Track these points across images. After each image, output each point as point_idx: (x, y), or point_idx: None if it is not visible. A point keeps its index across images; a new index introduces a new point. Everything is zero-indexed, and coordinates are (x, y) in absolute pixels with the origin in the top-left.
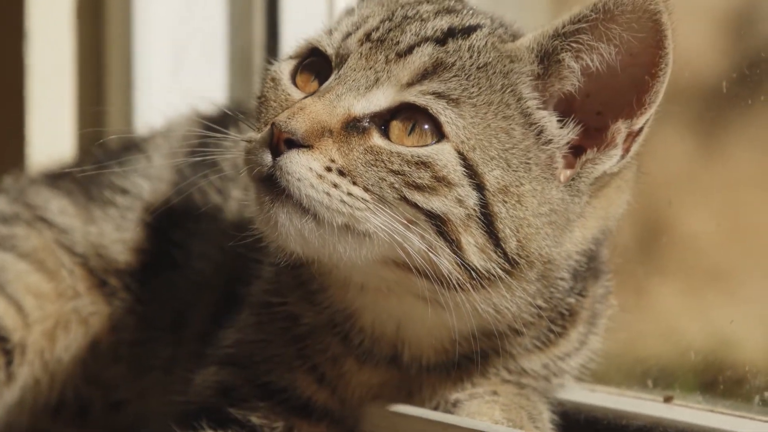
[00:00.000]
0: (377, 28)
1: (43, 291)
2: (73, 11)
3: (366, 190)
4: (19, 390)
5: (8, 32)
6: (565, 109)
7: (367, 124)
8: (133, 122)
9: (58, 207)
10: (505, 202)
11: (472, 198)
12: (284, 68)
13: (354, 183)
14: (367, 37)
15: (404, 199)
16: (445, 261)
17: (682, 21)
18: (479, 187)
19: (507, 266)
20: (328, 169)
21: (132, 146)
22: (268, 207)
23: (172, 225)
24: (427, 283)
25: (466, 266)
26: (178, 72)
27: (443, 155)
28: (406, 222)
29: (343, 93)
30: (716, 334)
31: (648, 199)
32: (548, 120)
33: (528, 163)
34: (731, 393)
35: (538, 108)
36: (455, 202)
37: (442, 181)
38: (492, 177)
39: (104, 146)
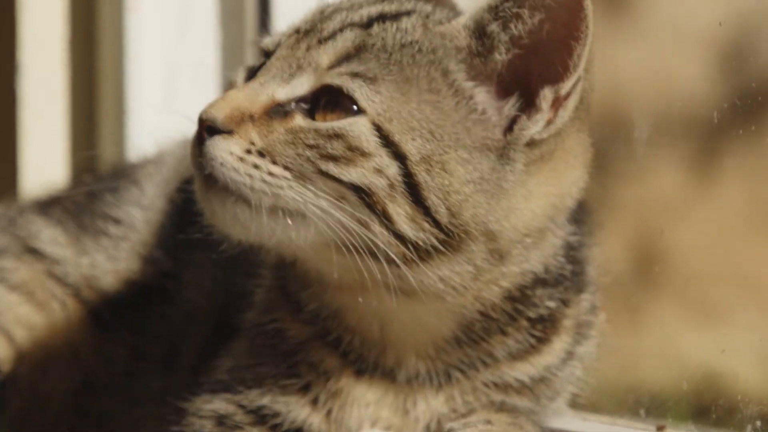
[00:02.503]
0: (308, 21)
1: (34, 323)
2: (65, 39)
3: (286, 168)
4: (9, 421)
5: (1, 61)
6: (510, 81)
7: (291, 108)
8: (125, 148)
9: (50, 237)
10: (429, 170)
11: (392, 167)
12: (241, 72)
13: (274, 162)
14: (297, 30)
15: (321, 172)
16: (379, 235)
17: (674, 52)
18: (400, 157)
19: (442, 236)
20: (248, 152)
21: (124, 174)
22: (203, 196)
23: (165, 255)
24: (378, 264)
25: (401, 238)
26: (171, 97)
27: (356, 126)
28: (334, 199)
29: (267, 81)
30: (708, 363)
31: (640, 228)
32: (480, 93)
33: (456, 134)
34: (724, 422)
35: (471, 83)
36: (374, 172)
37: (356, 151)
38: (412, 147)
39: (96, 174)
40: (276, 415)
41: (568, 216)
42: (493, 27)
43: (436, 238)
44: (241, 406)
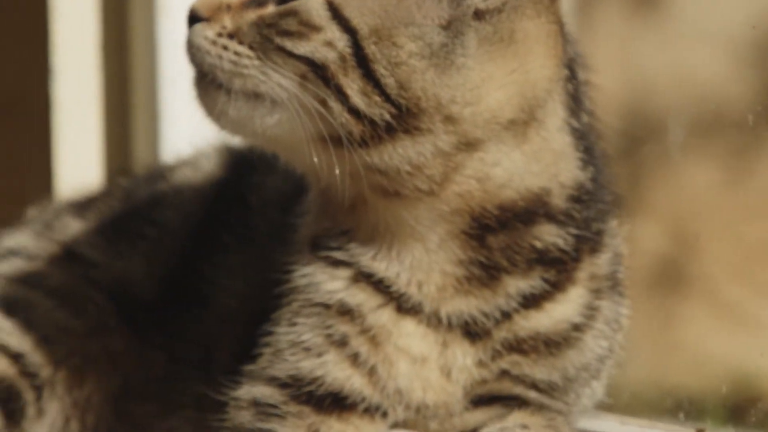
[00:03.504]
0: None
1: (72, 327)
2: (98, 43)
3: (250, 48)
4: (48, 427)
5: (34, 66)
6: None
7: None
8: (159, 151)
9: (86, 240)
10: (377, 43)
11: (342, 41)
12: None
13: (240, 43)
14: None
15: (278, 48)
16: (336, 111)
17: (705, 53)
18: (350, 30)
19: (394, 110)
20: (220, 35)
21: (159, 176)
22: (195, 90)
23: (200, 259)
24: (347, 153)
25: (356, 113)
26: None
27: (309, 3)
28: (296, 77)
29: None
30: (746, 366)
31: (674, 230)
32: None
33: (409, 11)
34: (763, 425)
35: None
36: (324, 45)
37: (307, 26)
38: (362, 21)
39: (131, 176)
40: (313, 381)
41: (566, 132)
42: None
43: (389, 113)
44: (277, 383)
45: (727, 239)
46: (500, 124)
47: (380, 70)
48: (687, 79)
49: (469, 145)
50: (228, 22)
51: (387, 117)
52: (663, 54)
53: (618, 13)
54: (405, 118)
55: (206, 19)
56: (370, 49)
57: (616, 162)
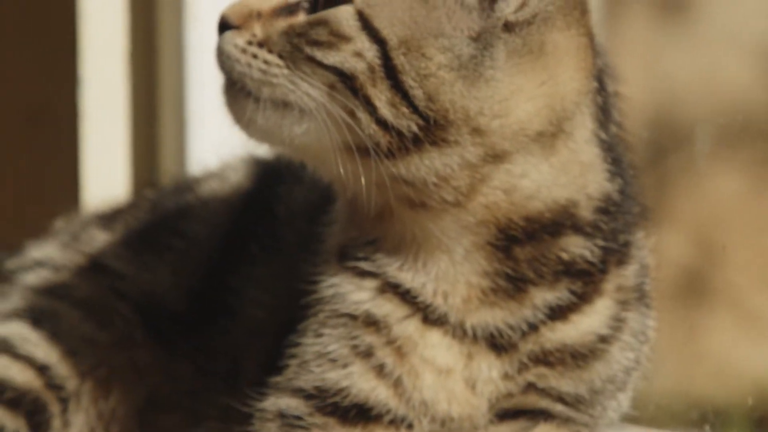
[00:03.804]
0: None
1: (98, 339)
2: (126, 53)
3: (280, 56)
4: None
5: (62, 75)
6: None
7: (299, 7)
8: (186, 162)
9: (113, 252)
10: (407, 54)
11: (371, 51)
12: None
13: (270, 51)
14: None
15: (308, 57)
16: (364, 121)
17: (732, 60)
18: (379, 41)
19: (422, 122)
20: (250, 43)
21: (187, 188)
22: (224, 97)
23: (228, 271)
24: (374, 162)
25: (383, 124)
26: None
27: (339, 13)
28: (325, 87)
29: None
30: None
31: (701, 241)
32: None
33: (440, 23)
34: None
35: None
36: (354, 55)
37: (337, 36)
38: (391, 32)
39: (158, 188)
40: (338, 392)
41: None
42: None
43: (417, 125)
44: (303, 394)
45: (753, 249)
46: (528, 137)
47: (409, 81)
48: (714, 88)
49: (497, 157)
50: (258, 30)
51: (414, 128)
52: (690, 62)
53: (645, 21)
54: (432, 129)
55: (237, 27)
56: (399, 60)
57: (642, 172)
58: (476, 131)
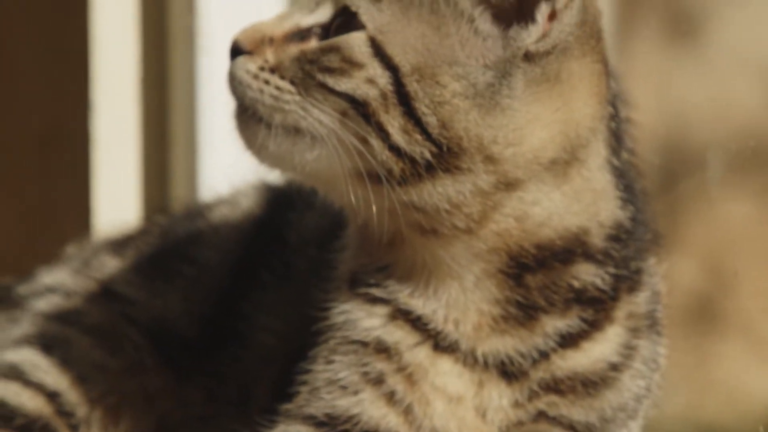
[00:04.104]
0: None
1: (109, 366)
2: (137, 79)
3: (292, 82)
4: None
5: (73, 100)
6: (515, 8)
7: (311, 33)
8: (198, 188)
9: (124, 278)
10: (420, 81)
11: (383, 78)
12: None
13: (282, 78)
14: None
15: (319, 84)
16: (377, 148)
17: (742, 84)
18: (392, 68)
19: (435, 149)
20: (262, 69)
21: (198, 214)
22: (236, 122)
23: (238, 297)
24: (388, 189)
25: (396, 150)
26: None
27: (351, 40)
28: (337, 114)
29: (294, 11)
30: None
31: (712, 267)
32: (483, 17)
33: (454, 52)
34: None
35: (474, 8)
36: (366, 82)
37: (349, 62)
38: (404, 59)
39: (169, 214)
40: (349, 419)
41: (610, 175)
42: None
43: (430, 152)
44: (313, 421)
45: (764, 275)
46: (541, 165)
47: (422, 108)
48: (725, 114)
49: (509, 185)
50: (270, 56)
51: (427, 155)
52: (701, 88)
53: (656, 47)
54: (445, 157)
55: (249, 52)
56: (412, 87)
57: (653, 198)
58: (489, 159)
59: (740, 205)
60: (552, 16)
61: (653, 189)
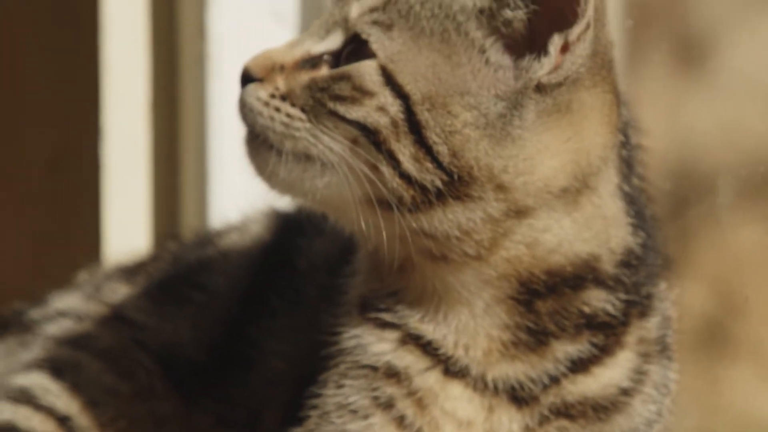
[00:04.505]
0: None
1: (119, 390)
2: (148, 104)
3: (302, 110)
4: None
5: (84, 126)
6: (527, 38)
7: (322, 60)
8: (208, 215)
9: (134, 303)
10: (431, 110)
11: (394, 106)
12: None
13: (293, 105)
14: None
15: (330, 111)
16: (387, 175)
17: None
18: (403, 96)
19: (446, 178)
20: (273, 96)
21: (208, 241)
22: (246, 149)
23: (248, 322)
24: (399, 216)
25: (407, 178)
26: None
27: (362, 68)
28: (348, 142)
29: (305, 38)
30: None
31: (722, 293)
32: (495, 48)
33: (465, 82)
34: None
35: (486, 38)
36: (377, 110)
37: (360, 90)
38: (415, 87)
39: (179, 240)
40: None
41: (622, 205)
42: None
43: (440, 180)
44: None
45: None
46: (552, 193)
47: (433, 137)
48: (735, 139)
49: (520, 213)
50: (281, 83)
51: (438, 184)
52: (711, 114)
53: (666, 72)
54: (456, 185)
55: (259, 79)
56: (423, 115)
57: (663, 223)
58: (500, 188)
59: (751, 231)
60: (564, 48)
61: (663, 214)
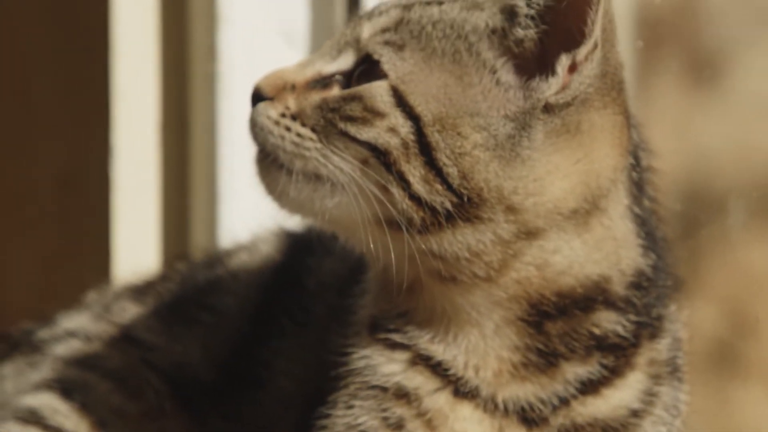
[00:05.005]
0: (367, 10)
1: (128, 411)
2: (158, 124)
3: (313, 130)
4: None
5: (94, 145)
6: (537, 58)
7: (333, 80)
8: (218, 235)
9: (144, 324)
10: (441, 132)
11: (405, 127)
12: None
13: (303, 125)
14: (356, 16)
15: (341, 132)
16: (397, 196)
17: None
18: (413, 117)
19: (456, 199)
20: (283, 115)
21: (218, 261)
22: (257, 168)
23: (258, 343)
24: (408, 237)
25: (417, 200)
26: None
27: (374, 89)
28: (358, 162)
29: (317, 58)
30: None
31: (734, 314)
32: (505, 68)
33: (476, 102)
34: None
35: (497, 59)
36: (387, 131)
37: (371, 111)
38: (426, 108)
39: (189, 260)
40: None
41: (632, 227)
42: (519, 3)
43: (450, 202)
44: None
45: None
46: (562, 214)
47: (443, 159)
48: (747, 159)
49: (530, 234)
50: (292, 102)
51: (448, 205)
52: (723, 134)
53: (677, 91)
54: (466, 207)
55: (270, 99)
56: (434, 137)
57: (674, 244)
58: (510, 209)
59: (762, 252)
60: (572, 67)
61: (674, 235)
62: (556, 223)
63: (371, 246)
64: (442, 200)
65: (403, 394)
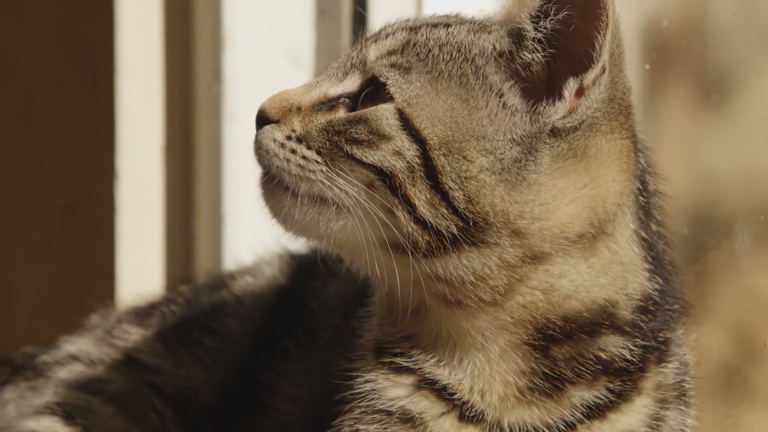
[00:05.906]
0: (373, 32)
1: None
2: (162, 146)
3: (318, 153)
4: None
5: (99, 168)
6: (544, 82)
7: (339, 102)
8: (222, 257)
9: (147, 347)
10: (447, 156)
11: (411, 150)
12: None
13: (309, 147)
14: (362, 38)
15: (347, 154)
16: (403, 220)
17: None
18: (419, 141)
19: (461, 223)
20: (289, 138)
21: (221, 284)
22: (262, 190)
23: (262, 366)
24: (413, 260)
25: (422, 223)
26: None
27: (380, 112)
28: (363, 186)
29: (322, 80)
30: None
31: (741, 338)
32: (512, 92)
33: (482, 126)
34: None
35: (504, 82)
36: (393, 154)
37: (377, 134)
38: (432, 132)
39: (193, 283)
40: None
41: (639, 251)
42: (527, 27)
43: (456, 226)
44: None
45: None
46: (568, 239)
47: (449, 182)
48: (755, 183)
49: (536, 258)
50: (297, 125)
51: (453, 229)
52: (731, 157)
53: (685, 115)
54: (471, 231)
55: (275, 121)
56: (440, 160)
57: (682, 268)
58: (516, 233)
59: None
60: (580, 92)
61: (682, 259)
62: (562, 247)
63: (376, 269)
64: (447, 224)
65: (408, 419)
